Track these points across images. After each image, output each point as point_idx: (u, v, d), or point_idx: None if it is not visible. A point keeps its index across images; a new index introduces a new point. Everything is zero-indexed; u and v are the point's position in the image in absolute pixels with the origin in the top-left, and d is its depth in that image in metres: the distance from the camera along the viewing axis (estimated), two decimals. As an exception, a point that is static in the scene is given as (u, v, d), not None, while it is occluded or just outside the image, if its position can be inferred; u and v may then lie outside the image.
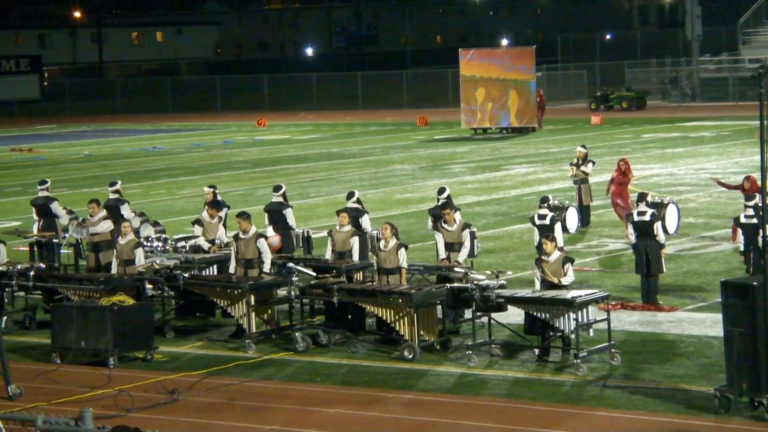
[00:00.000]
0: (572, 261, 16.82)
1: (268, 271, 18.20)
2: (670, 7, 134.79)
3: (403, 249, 17.61)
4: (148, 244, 20.91)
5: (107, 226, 20.48)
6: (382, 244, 17.67)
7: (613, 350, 15.90)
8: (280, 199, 21.80)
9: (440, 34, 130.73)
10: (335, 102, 77.85)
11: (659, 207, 20.63)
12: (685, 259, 22.89)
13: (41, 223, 22.68)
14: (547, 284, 16.46)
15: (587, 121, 57.74)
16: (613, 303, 18.29)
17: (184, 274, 18.32)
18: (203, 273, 19.31)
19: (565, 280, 16.43)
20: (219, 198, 22.51)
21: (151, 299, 18.90)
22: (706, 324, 17.76)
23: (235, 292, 17.58)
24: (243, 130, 63.69)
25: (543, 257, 16.63)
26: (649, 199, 19.67)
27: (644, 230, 18.98)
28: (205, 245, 20.36)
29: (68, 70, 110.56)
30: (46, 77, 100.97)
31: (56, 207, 22.69)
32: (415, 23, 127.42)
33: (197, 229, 20.59)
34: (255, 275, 18.11)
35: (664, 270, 19.33)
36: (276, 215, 21.52)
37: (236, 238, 18.74)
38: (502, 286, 16.39)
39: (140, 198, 34.81)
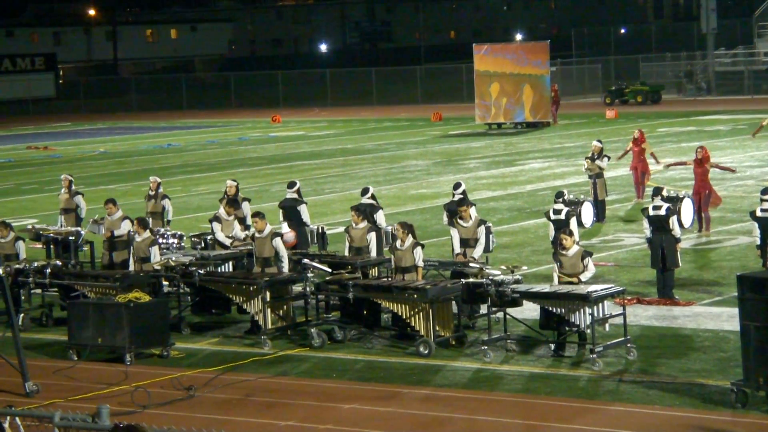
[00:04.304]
0: (591, 254, 16.78)
1: (287, 271, 18.19)
2: (684, 0, 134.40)
3: (419, 248, 17.59)
4: (164, 241, 20.98)
5: (128, 227, 20.56)
6: (398, 243, 17.67)
7: (629, 345, 15.88)
8: (295, 196, 21.84)
9: (454, 29, 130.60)
10: (349, 98, 77.86)
11: (675, 201, 20.59)
12: (700, 253, 22.84)
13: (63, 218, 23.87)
14: (564, 280, 16.42)
15: (602, 115, 57.64)
16: (629, 297, 18.25)
17: (200, 271, 18.36)
18: (219, 269, 19.35)
19: (585, 276, 16.37)
20: (239, 194, 22.66)
21: (167, 296, 18.94)
22: (722, 318, 17.72)
23: (251, 288, 17.61)
24: (258, 126, 63.76)
25: (561, 251, 16.59)
26: (664, 193, 19.63)
27: (660, 224, 18.94)
28: (227, 241, 20.44)
29: (83, 68, 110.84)
30: (61, 75, 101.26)
31: (79, 199, 23.98)
32: (428, 18, 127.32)
33: (216, 226, 20.65)
34: (273, 272, 18.12)
35: (680, 264, 19.29)
36: (291, 211, 21.55)
37: (253, 237, 18.82)
38: (517, 281, 16.37)
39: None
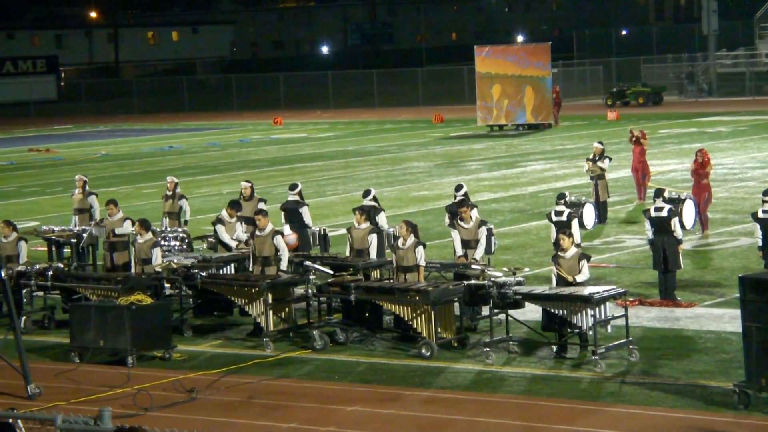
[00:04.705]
0: (588, 258, 16.78)
1: (285, 268, 18.23)
2: (685, 1, 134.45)
3: (420, 247, 17.59)
4: (165, 243, 20.98)
5: (129, 227, 20.58)
6: (400, 242, 17.67)
7: (631, 346, 15.87)
8: (297, 198, 21.84)
9: (455, 31, 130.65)
10: (351, 100, 77.88)
11: (676, 203, 20.58)
12: (702, 254, 22.83)
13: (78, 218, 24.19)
14: (562, 282, 16.43)
15: (603, 117, 57.64)
16: (631, 299, 18.24)
17: (202, 273, 18.36)
18: (221, 272, 19.35)
19: (580, 278, 16.38)
20: (254, 195, 22.61)
21: (169, 298, 18.94)
22: (724, 319, 17.71)
23: (253, 290, 17.61)
24: (259, 128, 63.77)
25: (559, 253, 16.60)
26: (666, 194, 19.63)
27: (661, 226, 18.93)
28: (232, 243, 20.45)
29: (85, 71, 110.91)
30: (62, 78, 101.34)
31: (93, 199, 24.20)
32: (430, 20, 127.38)
33: (220, 228, 20.66)
34: (272, 273, 18.14)
35: (682, 266, 19.28)
36: (292, 213, 21.55)
37: (253, 235, 18.80)
38: (519, 283, 16.37)
39: (157, 197, 34.89)
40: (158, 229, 22.03)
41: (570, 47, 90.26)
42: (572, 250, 16.53)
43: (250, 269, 18.59)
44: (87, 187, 24.71)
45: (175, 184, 23.69)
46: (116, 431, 8.32)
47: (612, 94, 65.29)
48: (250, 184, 22.70)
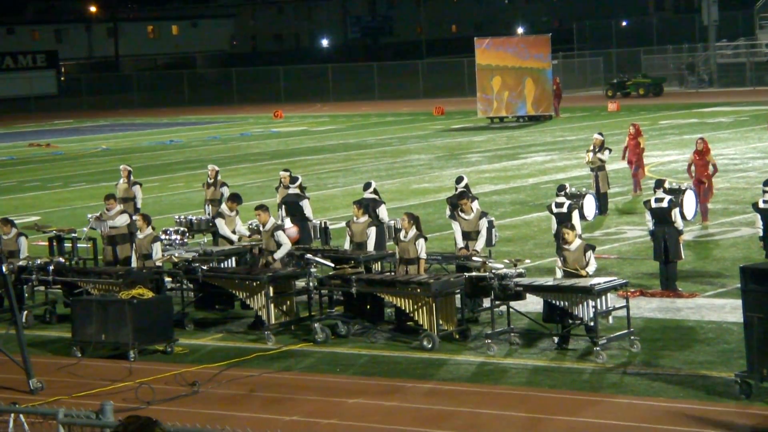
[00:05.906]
0: (594, 248, 16.77)
1: (278, 258, 18.23)
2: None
3: (421, 240, 17.59)
4: (166, 237, 20.99)
5: (124, 220, 20.61)
6: (402, 234, 17.67)
7: (632, 337, 15.88)
8: (297, 191, 21.85)
9: (455, 23, 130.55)
10: (351, 93, 77.85)
11: (677, 193, 20.58)
12: (703, 245, 22.83)
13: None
14: (569, 274, 16.40)
15: (604, 108, 57.61)
16: (632, 290, 18.25)
17: (203, 267, 18.37)
18: (222, 265, 19.36)
19: (589, 269, 16.34)
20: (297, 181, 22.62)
21: (170, 292, 18.94)
22: (725, 310, 17.71)
23: (254, 283, 17.62)
24: (259, 122, 63.75)
25: (564, 246, 16.57)
26: (666, 185, 19.62)
27: (662, 217, 18.93)
28: (233, 237, 20.49)
29: (85, 65, 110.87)
30: (62, 72, 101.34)
31: (137, 189, 24.77)
32: (430, 13, 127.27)
33: (219, 222, 20.68)
34: (276, 266, 18.16)
35: (683, 256, 19.29)
36: (293, 207, 21.56)
37: (257, 230, 18.83)
38: (520, 275, 16.37)
39: (158, 191, 34.89)
40: (195, 219, 22.23)
41: (570, 39, 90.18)
42: (577, 242, 16.51)
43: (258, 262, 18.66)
44: (132, 177, 24.99)
45: (216, 172, 24.12)
46: (129, 420, 8.32)
47: (612, 85, 65.28)
48: (288, 173, 22.82)
